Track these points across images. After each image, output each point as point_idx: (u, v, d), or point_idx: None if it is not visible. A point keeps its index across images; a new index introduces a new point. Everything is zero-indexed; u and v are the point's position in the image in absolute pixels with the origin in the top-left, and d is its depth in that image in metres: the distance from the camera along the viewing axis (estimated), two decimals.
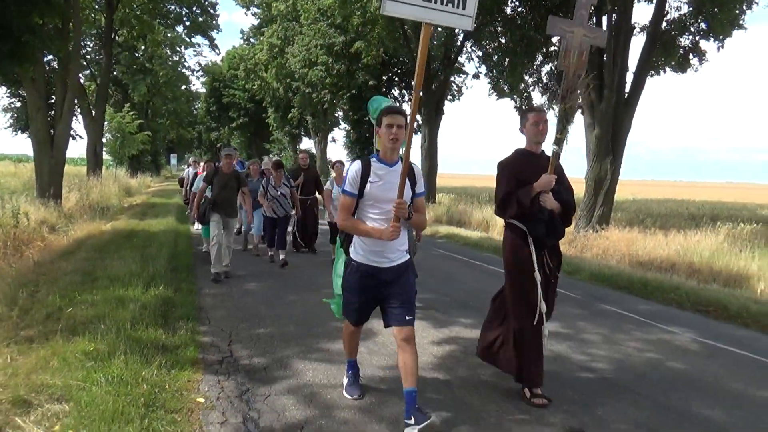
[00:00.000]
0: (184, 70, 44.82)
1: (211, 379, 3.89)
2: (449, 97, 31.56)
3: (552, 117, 4.07)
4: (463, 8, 3.21)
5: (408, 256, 3.42)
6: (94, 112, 25.40)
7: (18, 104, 27.19)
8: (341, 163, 8.77)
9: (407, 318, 3.26)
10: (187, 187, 13.33)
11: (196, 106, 60.16)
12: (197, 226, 10.41)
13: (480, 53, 24.30)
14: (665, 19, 15.63)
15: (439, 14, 3.16)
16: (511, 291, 3.81)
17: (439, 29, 24.89)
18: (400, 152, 3.34)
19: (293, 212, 9.13)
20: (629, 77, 14.28)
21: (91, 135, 25.51)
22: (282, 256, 8.71)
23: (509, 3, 18.82)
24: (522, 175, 3.71)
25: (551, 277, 3.81)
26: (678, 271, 10.67)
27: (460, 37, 23.50)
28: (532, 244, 3.72)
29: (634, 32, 15.29)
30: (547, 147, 3.85)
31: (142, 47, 36.61)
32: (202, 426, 3.18)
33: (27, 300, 5.54)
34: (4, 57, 7.97)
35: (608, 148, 13.73)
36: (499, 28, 20.09)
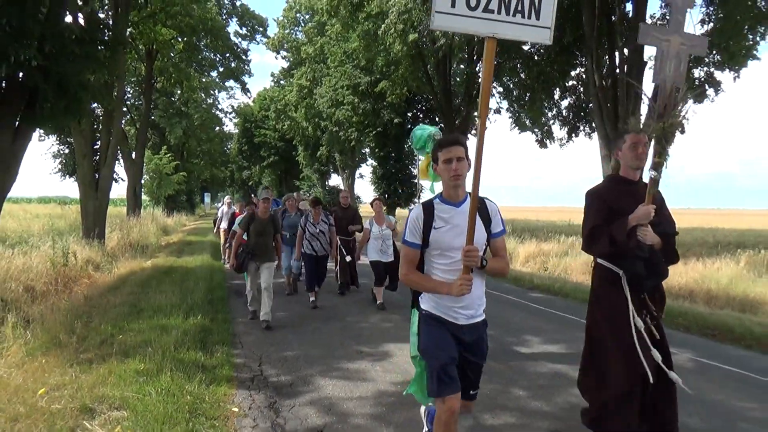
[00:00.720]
0: (217, 113, 46.87)
1: (244, 392, 4.46)
2: (473, 131, 32.42)
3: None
4: (537, 18, 2.70)
5: (484, 315, 2.94)
6: (134, 156, 26.92)
7: (66, 150, 29.01)
8: (380, 200, 8.64)
9: (472, 393, 2.96)
10: (219, 225, 14.09)
11: (229, 146, 62.39)
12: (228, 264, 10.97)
13: (501, 89, 25.06)
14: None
15: (507, 27, 2.66)
16: (605, 348, 3.33)
17: (461, 66, 25.84)
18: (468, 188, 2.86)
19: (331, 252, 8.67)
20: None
21: (131, 177, 26.97)
22: (312, 297, 8.34)
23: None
24: (616, 206, 3.27)
25: (654, 320, 3.28)
26: (695, 297, 10.88)
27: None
28: (627, 288, 3.23)
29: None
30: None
31: (178, 92, 38.56)
32: (237, 429, 3.75)
33: (83, 329, 6.24)
34: (60, 113, 8.92)
35: None
36: (518, 64, 20.79)
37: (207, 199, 71.61)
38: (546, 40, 2.74)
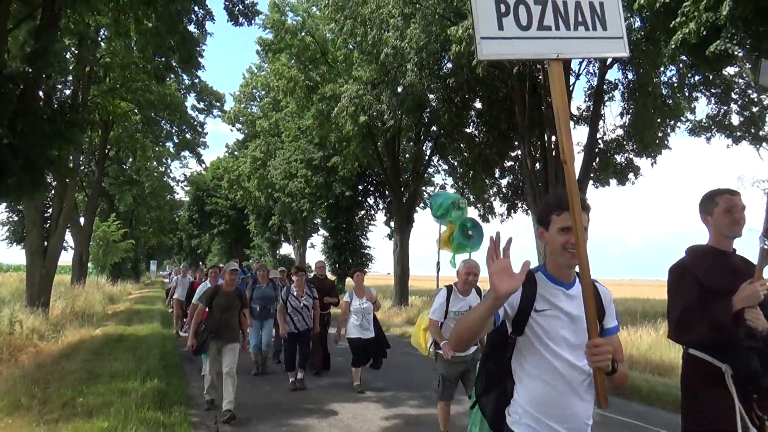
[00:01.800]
0: (169, 181, 47.14)
1: None
2: (421, 204, 33.92)
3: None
4: (604, 28, 2.23)
5: None
6: (82, 223, 26.79)
7: (15, 218, 28.61)
8: (361, 271, 8.08)
9: None
10: (172, 296, 14.05)
11: (179, 214, 62.08)
12: (184, 330, 10.98)
13: (446, 166, 26.76)
14: (602, 139, 18.04)
15: (572, 44, 2.22)
16: None
17: (410, 144, 27.53)
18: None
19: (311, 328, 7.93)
20: None
21: (77, 244, 26.73)
22: (300, 375, 7.72)
23: (469, 124, 21.22)
24: (709, 283, 2.65)
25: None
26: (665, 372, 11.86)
27: (428, 152, 25.95)
28: (734, 387, 2.51)
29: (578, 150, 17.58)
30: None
31: (131, 160, 38.78)
32: None
33: (42, 393, 6.54)
34: (26, 186, 9.41)
35: None
36: (461, 145, 22.44)
37: (153, 266, 69.98)
38: (622, 52, 2.27)
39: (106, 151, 27.76)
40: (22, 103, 8.70)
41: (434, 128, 23.11)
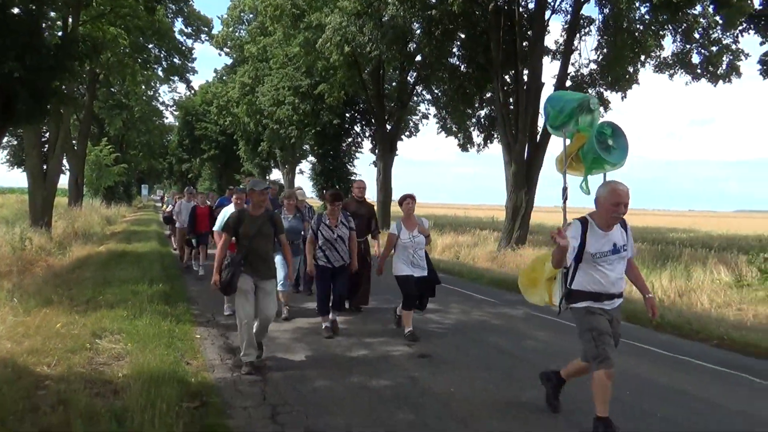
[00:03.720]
0: (158, 105, 47.25)
1: (202, 329, 6.40)
2: (407, 133, 34.78)
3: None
4: None
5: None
6: (76, 147, 27.57)
7: (14, 142, 29.28)
8: (412, 198, 6.54)
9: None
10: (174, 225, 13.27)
11: (169, 138, 62.39)
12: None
13: (429, 96, 27.47)
14: (577, 72, 18.89)
15: None
16: None
17: (396, 72, 28.02)
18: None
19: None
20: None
21: (73, 168, 27.66)
22: (332, 317, 6.52)
23: (452, 56, 21.80)
24: None
25: None
26: None
27: (412, 82, 26.58)
28: None
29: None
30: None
31: (119, 84, 38.87)
32: (201, 345, 5.67)
33: (67, 293, 7.89)
34: (35, 114, 10.39)
35: (523, 181, 16.63)
36: (444, 75, 23.12)
37: (144, 191, 71.03)
38: None
39: (97, 76, 28.04)
40: (28, 39, 9.51)
41: (419, 58, 23.68)
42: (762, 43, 12.61)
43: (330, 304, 6.48)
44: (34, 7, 9.57)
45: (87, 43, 11.54)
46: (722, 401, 4.61)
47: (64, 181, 29.90)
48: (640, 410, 4.28)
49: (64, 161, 30.14)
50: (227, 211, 6.93)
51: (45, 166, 18.20)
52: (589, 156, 4.15)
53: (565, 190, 4.33)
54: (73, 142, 27.05)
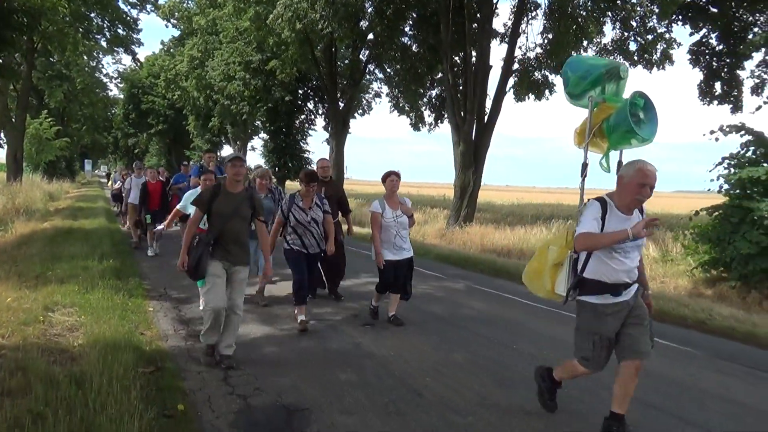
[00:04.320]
0: (101, 77, 45.47)
1: (155, 302, 6.60)
2: (359, 111, 34.92)
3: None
4: None
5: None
6: (14, 120, 26.43)
7: None
8: (397, 176, 6.09)
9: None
10: (126, 200, 12.21)
11: (113, 112, 60.14)
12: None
13: (382, 75, 27.63)
14: (524, 56, 19.47)
15: None
16: None
17: (350, 50, 27.99)
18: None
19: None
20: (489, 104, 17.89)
21: (11, 142, 26.52)
22: (302, 316, 5.82)
23: (404, 35, 22.03)
24: None
25: None
26: (512, 254, 14.16)
27: (365, 60, 26.67)
28: None
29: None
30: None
31: (59, 52, 37.19)
32: (154, 317, 5.89)
33: (15, 269, 7.88)
34: None
35: (471, 161, 17.20)
36: (397, 54, 23.35)
37: (88, 166, 68.48)
38: None
39: (35, 45, 26.82)
40: None
41: (371, 37, 23.77)
42: (691, 34, 13.43)
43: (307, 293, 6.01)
44: None
45: (26, 14, 11.19)
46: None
47: (1, 155, 28.70)
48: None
49: (1, 135, 28.98)
50: (192, 195, 6.45)
51: None
52: (620, 129, 3.66)
53: (585, 166, 3.84)
54: (11, 114, 25.91)
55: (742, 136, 9.71)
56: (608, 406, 3.44)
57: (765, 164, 9.35)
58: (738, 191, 9.48)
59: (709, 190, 9.99)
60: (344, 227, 7.67)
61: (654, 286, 10.41)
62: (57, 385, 3.64)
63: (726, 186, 9.60)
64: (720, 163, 9.98)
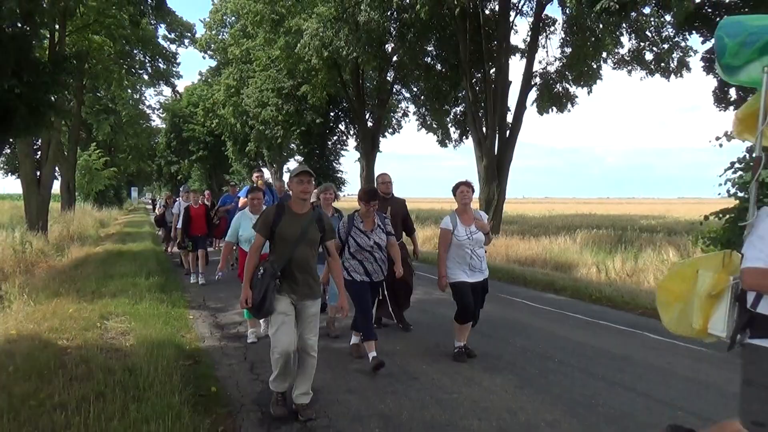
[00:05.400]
0: (145, 108, 48.00)
1: (195, 311, 7.42)
2: (390, 130, 35.82)
3: None
4: None
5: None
6: (66, 153, 28.34)
7: (7, 150, 30.03)
8: (468, 185, 5.36)
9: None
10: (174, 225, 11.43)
11: (156, 141, 63.05)
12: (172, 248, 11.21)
13: (408, 95, 28.50)
14: (544, 69, 19.98)
15: None
16: None
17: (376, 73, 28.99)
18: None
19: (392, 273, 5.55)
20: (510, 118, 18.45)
21: (64, 174, 28.43)
22: (373, 353, 5.03)
23: (428, 55, 22.84)
24: None
25: None
26: (535, 263, 14.58)
27: (390, 80, 27.60)
28: None
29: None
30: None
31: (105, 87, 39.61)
32: (193, 323, 6.69)
33: (73, 287, 8.87)
34: (32, 126, 11.32)
35: (494, 174, 17.74)
36: (421, 74, 24.18)
37: (134, 193, 71.74)
38: None
39: (83, 82, 28.80)
40: (22, 55, 10.40)
41: (396, 58, 24.68)
42: (703, 42, 13.72)
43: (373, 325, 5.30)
44: (27, 27, 10.46)
45: (77, 59, 12.43)
46: (615, 350, 5.76)
47: (55, 186, 30.72)
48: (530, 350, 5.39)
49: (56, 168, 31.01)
50: (243, 217, 6.10)
51: (38, 173, 19.06)
52: None
53: (759, 161, 2.73)
54: (63, 148, 27.82)
55: (744, 141, 9.95)
56: None
57: None
58: (746, 195, 9.74)
59: (719, 194, 10.26)
60: (409, 248, 6.97)
61: None
62: (113, 373, 4.43)
63: (732, 190, 9.87)
64: (729, 168, 10.26)
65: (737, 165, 10.27)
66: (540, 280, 10.45)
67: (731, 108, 12.92)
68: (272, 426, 3.77)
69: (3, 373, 4.37)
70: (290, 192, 4.20)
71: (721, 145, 10.23)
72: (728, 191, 9.97)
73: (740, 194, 9.93)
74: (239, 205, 8.38)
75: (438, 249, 5.40)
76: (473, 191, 5.41)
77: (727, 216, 10.12)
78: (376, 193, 5.41)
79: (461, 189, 5.32)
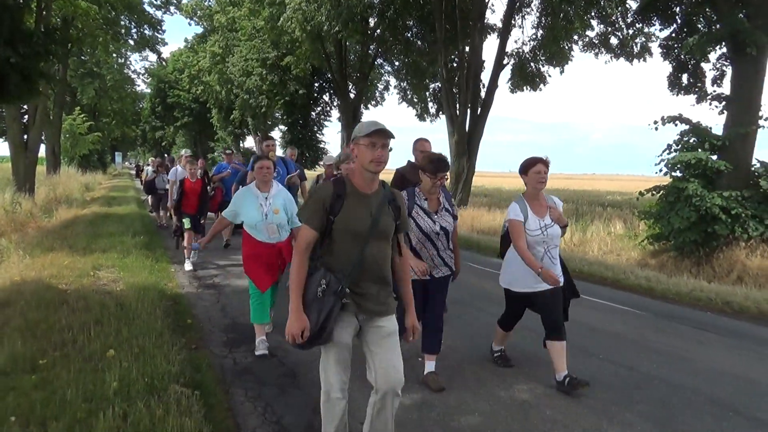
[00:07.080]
0: (130, 73, 47.87)
1: (177, 266, 8.38)
2: (372, 102, 36.43)
3: None
4: None
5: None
6: (51, 117, 28.73)
7: None
8: (545, 164, 4.02)
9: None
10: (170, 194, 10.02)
11: (141, 106, 62.89)
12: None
13: (390, 69, 29.16)
14: (519, 49, 20.81)
15: None
16: None
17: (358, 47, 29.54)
18: None
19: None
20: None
21: (49, 137, 28.87)
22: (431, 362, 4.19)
23: (408, 30, 23.50)
24: None
25: None
26: (497, 233, 15.68)
27: (372, 53, 28.20)
28: None
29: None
30: None
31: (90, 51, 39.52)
32: (174, 275, 7.68)
33: (64, 243, 9.77)
34: (24, 94, 12.01)
35: (464, 149, 18.71)
36: (402, 49, 24.85)
37: (118, 158, 71.59)
38: None
39: (68, 47, 28.99)
40: (15, 26, 11.02)
41: (378, 32, 25.28)
42: (661, 29, 14.58)
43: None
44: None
45: (63, 25, 12.95)
46: None
47: (41, 150, 31.04)
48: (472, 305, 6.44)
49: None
50: (247, 195, 4.68)
51: (25, 137, 19.60)
52: None
53: None
54: (49, 112, 28.19)
55: (676, 125, 11.05)
56: None
57: (700, 150, 10.71)
58: (678, 174, 10.87)
59: (656, 173, 11.38)
60: None
61: (610, 258, 11.90)
62: (107, 307, 5.41)
63: (665, 169, 10.99)
64: (666, 150, 11.36)
65: (674, 147, 11.38)
66: (492, 247, 11.55)
67: (682, 93, 13.94)
68: (234, 345, 4.80)
69: (17, 305, 5.34)
70: (346, 162, 3.33)
71: (657, 129, 11.28)
72: (660, 170, 11.09)
73: (673, 174, 11.06)
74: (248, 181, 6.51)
75: (515, 243, 3.98)
76: (548, 170, 4.03)
77: (661, 192, 11.26)
78: (447, 163, 3.98)
79: (538, 167, 3.97)
